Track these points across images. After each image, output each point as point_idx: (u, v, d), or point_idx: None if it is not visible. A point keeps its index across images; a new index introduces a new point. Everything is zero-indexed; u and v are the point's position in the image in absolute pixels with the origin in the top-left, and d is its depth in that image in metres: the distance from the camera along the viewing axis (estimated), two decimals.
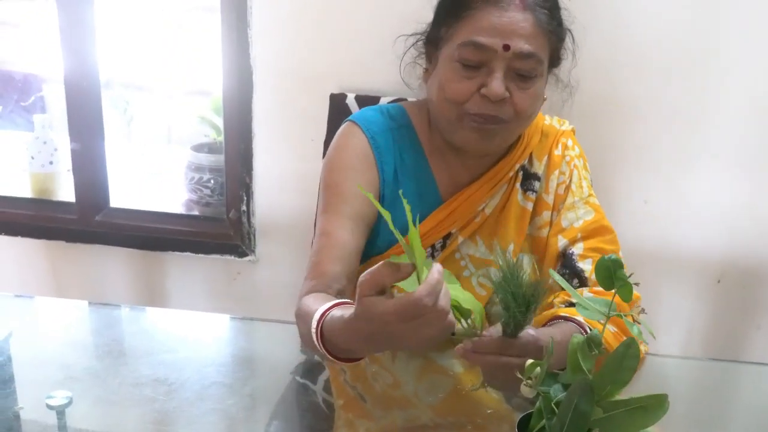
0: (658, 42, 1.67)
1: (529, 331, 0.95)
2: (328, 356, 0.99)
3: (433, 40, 1.24)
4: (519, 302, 0.91)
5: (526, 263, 1.29)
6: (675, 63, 1.68)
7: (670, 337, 1.91)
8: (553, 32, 1.18)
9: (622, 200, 1.79)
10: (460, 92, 1.15)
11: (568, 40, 1.24)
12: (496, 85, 1.12)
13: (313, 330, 0.99)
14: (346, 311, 0.94)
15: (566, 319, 1.11)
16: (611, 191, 1.77)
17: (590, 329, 1.08)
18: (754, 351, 1.90)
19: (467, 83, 1.15)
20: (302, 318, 1.08)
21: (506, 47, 1.12)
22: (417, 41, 1.29)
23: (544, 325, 1.14)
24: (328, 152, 1.30)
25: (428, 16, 1.27)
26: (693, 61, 1.67)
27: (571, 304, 1.17)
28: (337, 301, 1.03)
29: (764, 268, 1.83)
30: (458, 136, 1.20)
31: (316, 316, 0.99)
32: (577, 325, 1.09)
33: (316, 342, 0.99)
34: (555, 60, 1.23)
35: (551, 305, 1.21)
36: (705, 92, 1.70)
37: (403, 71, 1.34)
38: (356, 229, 1.22)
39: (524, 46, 1.12)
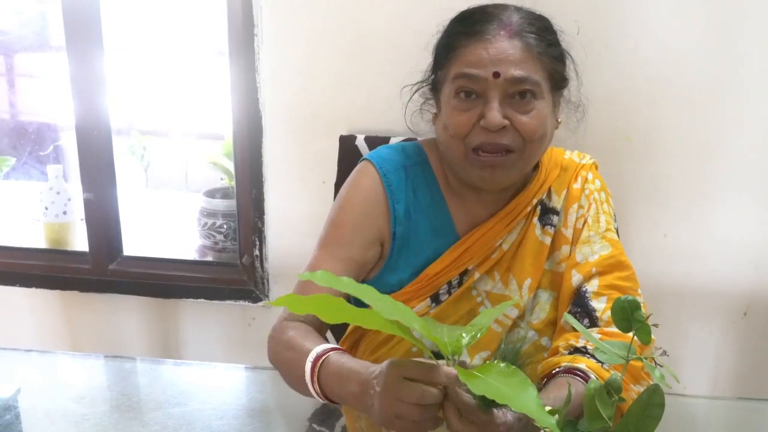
0: (674, 72, 1.65)
1: (507, 415, 0.89)
2: (319, 396, 1.04)
3: (434, 85, 1.26)
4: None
5: (544, 300, 1.26)
6: (692, 93, 1.66)
7: (697, 375, 1.86)
8: (544, 53, 1.17)
9: (641, 234, 1.75)
10: (461, 125, 1.15)
11: (568, 60, 1.23)
12: (492, 114, 1.12)
13: (309, 366, 1.04)
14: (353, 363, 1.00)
15: (570, 371, 1.08)
16: (629, 225, 1.74)
17: (596, 378, 1.04)
18: None
19: (466, 115, 1.15)
20: (287, 347, 1.13)
21: (496, 74, 1.12)
22: (419, 89, 1.30)
23: (545, 376, 1.11)
24: (341, 188, 1.30)
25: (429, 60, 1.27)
26: (711, 90, 1.65)
27: (576, 350, 1.14)
28: (333, 346, 1.07)
29: None
30: (471, 175, 1.19)
31: (315, 352, 1.05)
32: (582, 378, 1.06)
33: (308, 379, 1.04)
34: (559, 81, 1.21)
35: (556, 350, 1.18)
36: (723, 122, 1.67)
37: (410, 119, 1.34)
38: (345, 274, 1.20)
39: (515, 72, 1.12)
